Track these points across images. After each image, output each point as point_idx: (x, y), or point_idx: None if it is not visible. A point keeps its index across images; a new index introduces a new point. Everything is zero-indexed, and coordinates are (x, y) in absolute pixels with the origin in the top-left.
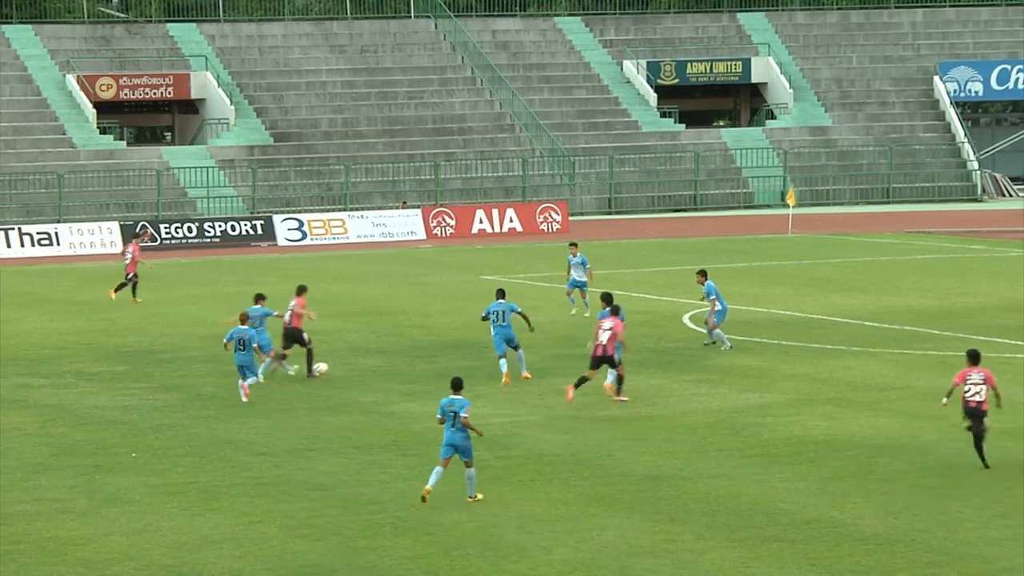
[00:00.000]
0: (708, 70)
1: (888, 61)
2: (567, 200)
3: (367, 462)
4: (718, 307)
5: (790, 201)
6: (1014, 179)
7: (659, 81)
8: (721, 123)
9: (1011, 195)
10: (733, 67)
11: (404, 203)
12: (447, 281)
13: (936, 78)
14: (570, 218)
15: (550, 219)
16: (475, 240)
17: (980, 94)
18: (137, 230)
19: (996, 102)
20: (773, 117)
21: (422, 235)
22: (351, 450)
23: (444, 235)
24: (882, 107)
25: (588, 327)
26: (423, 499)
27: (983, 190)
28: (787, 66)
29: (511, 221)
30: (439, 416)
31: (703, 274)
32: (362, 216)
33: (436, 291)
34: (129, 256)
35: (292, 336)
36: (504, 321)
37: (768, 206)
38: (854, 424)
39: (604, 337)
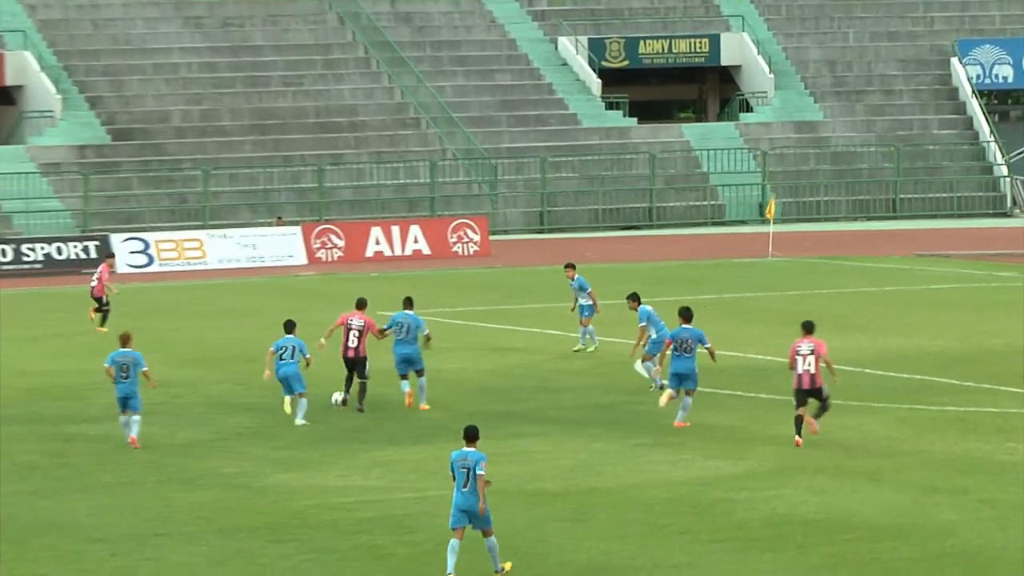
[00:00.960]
0: (666, 49)
1: (894, 39)
2: (487, 214)
3: (232, 551)
4: (651, 334)
5: (770, 216)
6: None
7: (604, 63)
8: (683, 116)
9: None
10: (698, 45)
11: (279, 219)
12: (334, 318)
13: (954, 60)
14: (491, 237)
15: (466, 239)
16: (370, 265)
17: (1010, 80)
18: None
19: None
20: (749, 109)
21: (302, 259)
22: (211, 535)
23: (330, 259)
24: (886, 97)
25: (525, 372)
26: None
27: (1014, 202)
28: (766, 44)
29: (416, 241)
30: (451, 473)
31: (635, 299)
32: (225, 235)
33: (320, 331)
34: (96, 280)
35: (350, 365)
36: (408, 336)
37: (743, 222)
38: (852, 500)
39: (810, 364)
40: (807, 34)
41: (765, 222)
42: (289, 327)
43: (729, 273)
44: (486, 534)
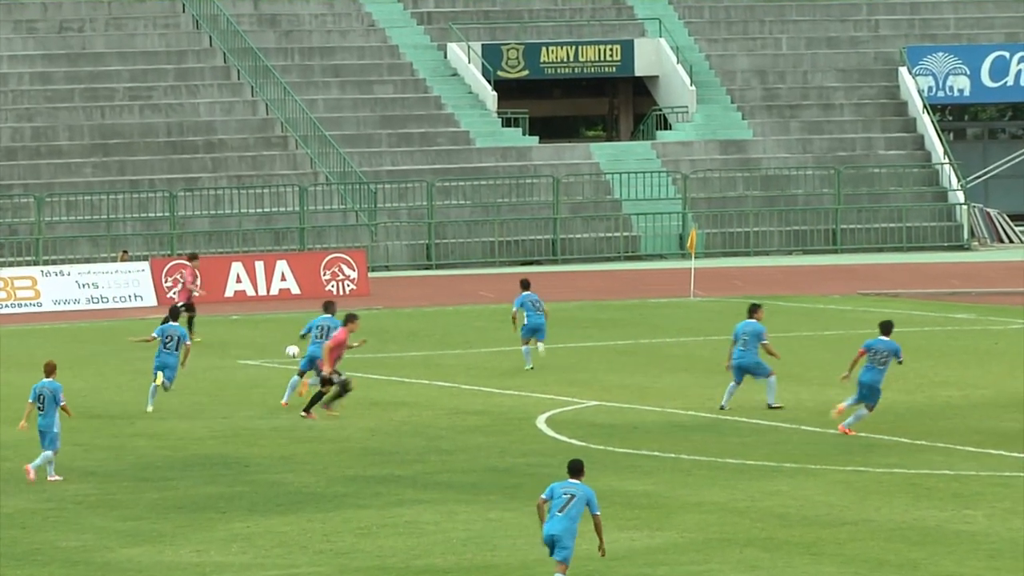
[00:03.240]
0: (572, 57)
1: (833, 46)
2: (366, 248)
3: None
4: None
5: (692, 249)
6: (1016, 217)
7: (501, 73)
8: (591, 135)
9: (1011, 240)
10: (608, 53)
11: (124, 253)
12: (189, 368)
13: (903, 70)
14: (371, 274)
15: (341, 276)
16: (230, 307)
17: (966, 93)
18: None
19: (989, 105)
20: (667, 127)
21: (151, 300)
22: None
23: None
24: (825, 112)
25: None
26: None
27: (971, 233)
28: (687, 52)
29: (283, 279)
30: (543, 496)
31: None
32: (62, 272)
33: (173, 383)
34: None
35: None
36: (327, 338)
37: (661, 256)
38: None
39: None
40: (734, 40)
41: (686, 256)
42: (174, 314)
43: (645, 315)
44: (562, 567)
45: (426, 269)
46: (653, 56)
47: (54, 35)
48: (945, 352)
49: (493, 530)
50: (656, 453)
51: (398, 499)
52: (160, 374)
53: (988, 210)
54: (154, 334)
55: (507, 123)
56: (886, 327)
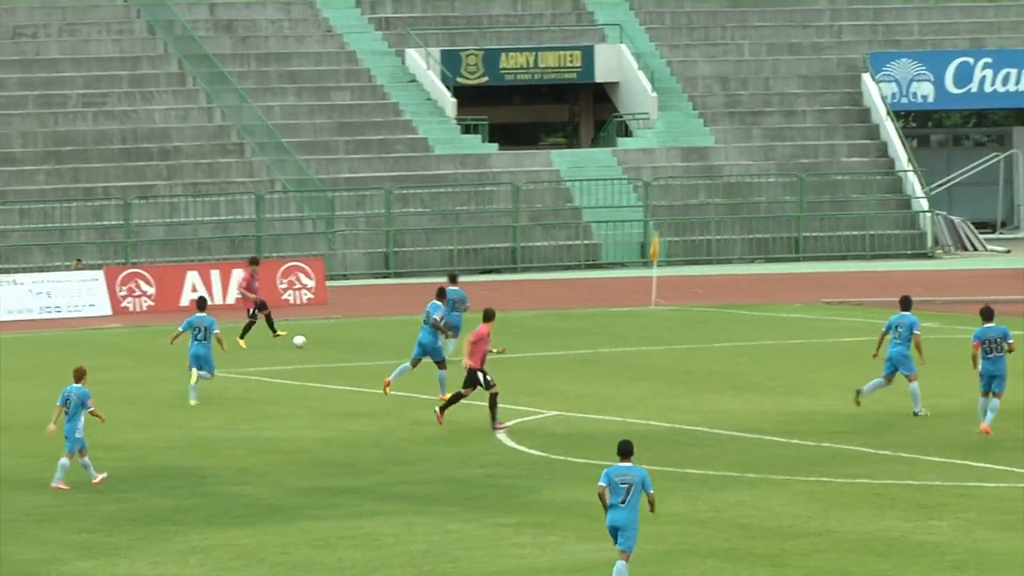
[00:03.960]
0: (532, 64)
1: (796, 52)
2: (323, 256)
3: None
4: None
5: (653, 257)
6: (980, 225)
7: (460, 80)
8: (552, 142)
9: (976, 248)
10: (569, 59)
11: (79, 261)
12: (144, 378)
13: (865, 76)
14: (328, 283)
15: (298, 284)
16: (185, 316)
17: (930, 99)
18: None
19: (953, 112)
20: (628, 133)
21: (106, 309)
22: None
23: (139, 309)
24: (787, 119)
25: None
26: None
27: (936, 241)
28: (648, 58)
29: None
30: (602, 483)
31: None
32: (15, 282)
33: (128, 393)
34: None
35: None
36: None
37: (622, 264)
38: None
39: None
40: (695, 46)
41: (648, 264)
42: (202, 304)
43: (606, 324)
44: (624, 555)
45: (384, 278)
46: (614, 62)
47: (7, 41)
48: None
49: (453, 542)
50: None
51: (356, 511)
52: (194, 371)
53: (952, 218)
54: (181, 328)
55: (466, 130)
56: (988, 313)
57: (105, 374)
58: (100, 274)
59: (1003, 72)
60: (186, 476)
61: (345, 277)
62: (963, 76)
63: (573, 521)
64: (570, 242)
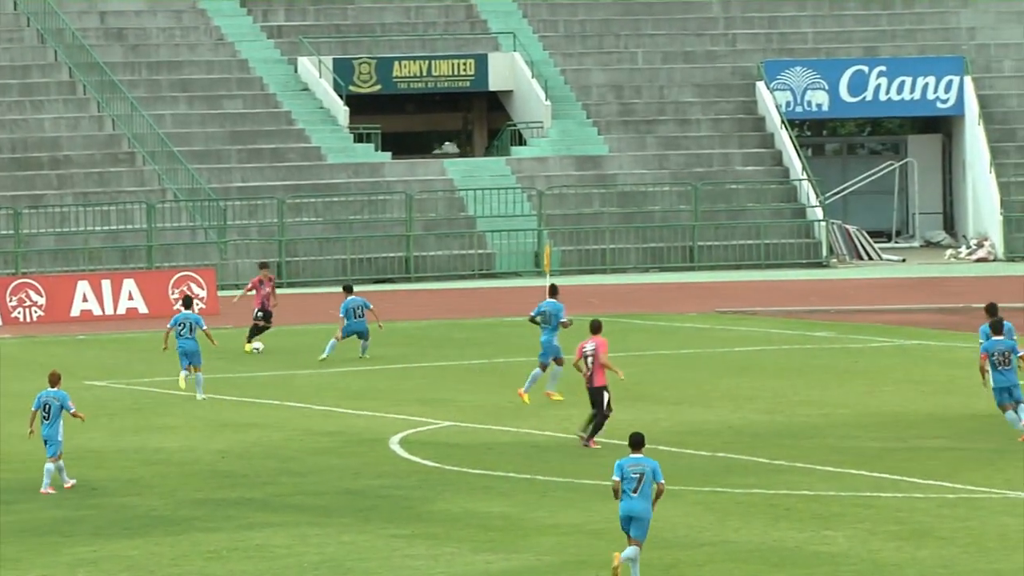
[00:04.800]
0: (425, 72)
1: (690, 60)
2: (215, 266)
3: None
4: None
5: (547, 267)
6: (875, 234)
7: (352, 88)
8: (445, 150)
9: (871, 258)
10: (462, 68)
11: None
12: (32, 390)
13: (760, 85)
14: (220, 293)
15: (190, 294)
16: (76, 326)
17: (825, 108)
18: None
19: (848, 120)
20: (522, 142)
21: None
22: None
23: (28, 319)
24: (681, 128)
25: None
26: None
27: (831, 250)
28: (542, 67)
29: (131, 298)
30: (615, 477)
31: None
32: None
33: (15, 405)
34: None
35: (590, 395)
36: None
37: (516, 274)
38: None
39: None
40: (589, 54)
41: (542, 274)
42: (187, 302)
43: (501, 334)
44: (636, 543)
45: (277, 287)
46: (507, 71)
47: None
48: (804, 371)
49: (346, 553)
50: (512, 474)
51: (249, 522)
52: (182, 376)
53: (847, 227)
54: (168, 325)
55: (359, 139)
56: (997, 326)
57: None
58: None
59: (898, 80)
60: (75, 487)
61: (237, 287)
62: (858, 85)
63: (467, 532)
64: (464, 251)
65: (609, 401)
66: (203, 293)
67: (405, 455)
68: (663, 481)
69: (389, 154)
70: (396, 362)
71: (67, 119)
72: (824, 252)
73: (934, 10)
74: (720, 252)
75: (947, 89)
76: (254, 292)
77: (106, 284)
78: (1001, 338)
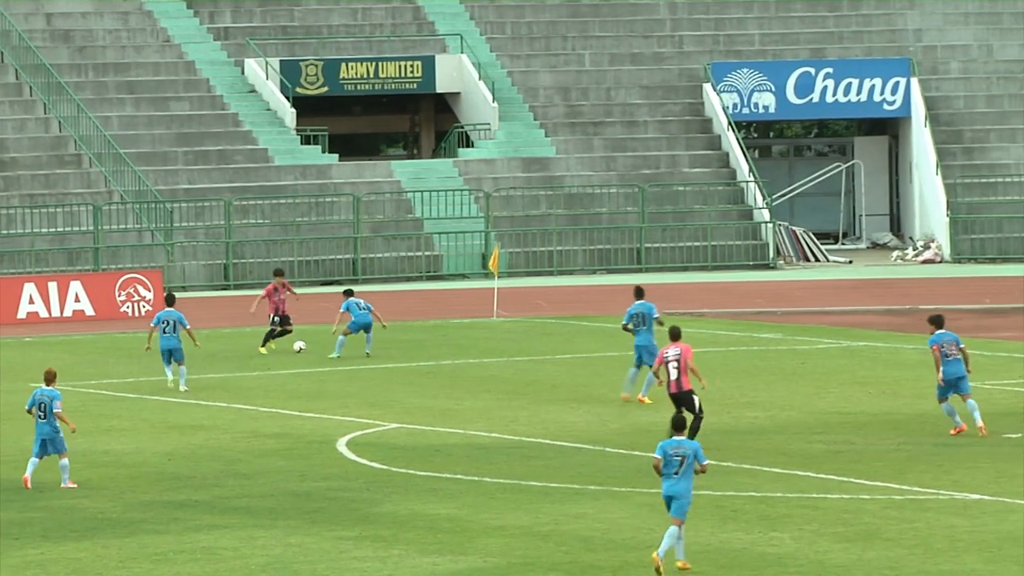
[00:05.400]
0: (372, 74)
1: (637, 62)
2: (162, 268)
3: None
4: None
5: (494, 268)
6: (822, 236)
7: (299, 90)
8: (392, 152)
9: (818, 259)
10: (409, 70)
11: None
12: None
13: (707, 87)
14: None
15: (136, 296)
16: (23, 329)
17: (771, 110)
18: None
19: (795, 122)
20: (469, 144)
21: None
22: None
23: None
24: (628, 129)
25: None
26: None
27: (777, 252)
28: (489, 68)
29: (77, 300)
30: (657, 456)
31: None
32: None
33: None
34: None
35: (679, 400)
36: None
37: (463, 276)
38: None
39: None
40: (536, 56)
41: (489, 276)
42: (170, 300)
43: (448, 336)
44: (678, 521)
45: (224, 289)
46: (455, 72)
47: None
48: (751, 372)
49: (293, 555)
50: (459, 476)
51: (195, 524)
52: (169, 373)
53: (794, 228)
54: (152, 324)
55: (306, 140)
56: (938, 320)
57: None
58: None
59: (844, 82)
60: (21, 489)
61: (184, 289)
62: (804, 86)
63: (414, 534)
64: (411, 253)
65: (700, 403)
66: (150, 295)
67: (352, 457)
68: (707, 462)
69: (336, 156)
70: (344, 364)
71: (13, 121)
72: (771, 254)
73: (881, 12)
74: (667, 254)
75: (894, 91)
76: (267, 300)
77: (53, 286)
78: (944, 331)
